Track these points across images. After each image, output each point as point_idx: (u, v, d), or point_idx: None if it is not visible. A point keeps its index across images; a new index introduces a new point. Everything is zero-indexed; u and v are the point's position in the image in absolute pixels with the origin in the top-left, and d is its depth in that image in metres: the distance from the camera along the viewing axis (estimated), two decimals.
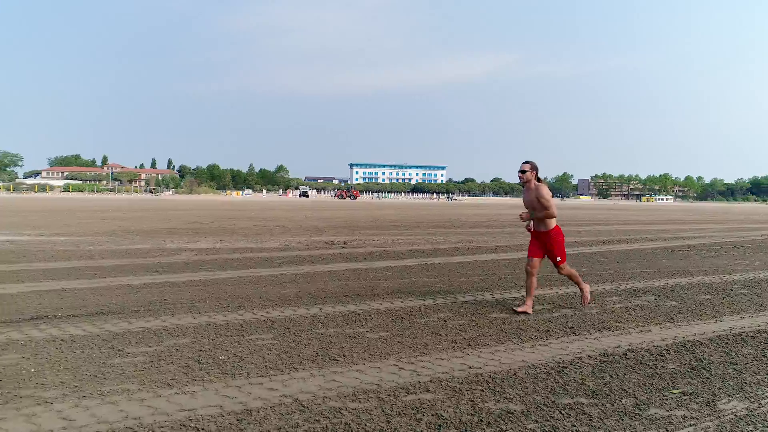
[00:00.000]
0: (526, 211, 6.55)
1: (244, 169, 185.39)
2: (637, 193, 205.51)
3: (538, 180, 6.49)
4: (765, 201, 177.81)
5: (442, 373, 4.26)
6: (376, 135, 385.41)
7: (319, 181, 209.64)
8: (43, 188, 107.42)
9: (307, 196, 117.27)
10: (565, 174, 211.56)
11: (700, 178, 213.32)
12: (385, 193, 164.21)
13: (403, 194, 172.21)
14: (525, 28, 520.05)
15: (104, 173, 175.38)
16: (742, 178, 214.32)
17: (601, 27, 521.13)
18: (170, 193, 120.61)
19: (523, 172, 6.45)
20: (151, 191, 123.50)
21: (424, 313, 6.27)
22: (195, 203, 52.77)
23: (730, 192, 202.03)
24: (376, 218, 28.01)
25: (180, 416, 3.38)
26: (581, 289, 6.73)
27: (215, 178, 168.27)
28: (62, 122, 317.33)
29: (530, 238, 6.63)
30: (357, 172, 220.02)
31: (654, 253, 12.94)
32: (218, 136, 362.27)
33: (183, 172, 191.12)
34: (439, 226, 22.43)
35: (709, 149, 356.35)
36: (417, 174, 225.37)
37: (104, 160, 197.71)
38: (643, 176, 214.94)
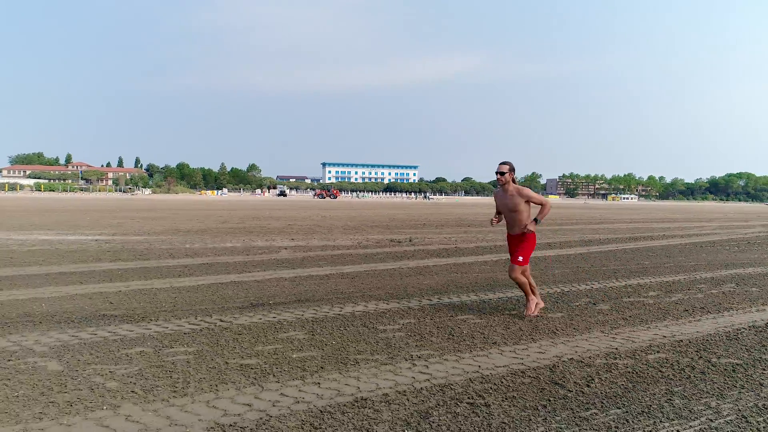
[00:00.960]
0: (497, 217, 6.57)
1: (215, 168, 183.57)
2: (603, 192, 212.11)
3: (514, 182, 6.38)
4: (722, 200, 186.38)
5: (647, 340, 5.38)
6: (348, 134, 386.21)
7: (291, 180, 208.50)
8: (12, 187, 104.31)
9: (285, 195, 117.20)
10: (533, 173, 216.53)
11: (662, 178, 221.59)
12: (363, 192, 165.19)
13: (381, 193, 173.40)
14: (495, 29, 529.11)
15: (69, 172, 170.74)
16: (700, 178, 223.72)
17: (570, 29, 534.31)
18: (143, 192, 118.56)
19: (502, 173, 6.29)
20: (125, 191, 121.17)
21: (565, 298, 7.39)
22: (183, 203, 52.67)
23: (690, 191, 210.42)
24: (392, 218, 29.06)
25: (502, 371, 4.41)
26: (528, 300, 6.34)
27: (185, 177, 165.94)
28: (22, 119, 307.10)
29: (507, 244, 6.70)
30: (330, 171, 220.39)
31: (688, 249, 14.42)
32: (186, 134, 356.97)
33: (151, 170, 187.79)
34: (463, 224, 23.67)
35: (670, 150, 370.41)
36: (390, 173, 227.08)
37: (68, 159, 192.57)
38: (608, 176, 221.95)
